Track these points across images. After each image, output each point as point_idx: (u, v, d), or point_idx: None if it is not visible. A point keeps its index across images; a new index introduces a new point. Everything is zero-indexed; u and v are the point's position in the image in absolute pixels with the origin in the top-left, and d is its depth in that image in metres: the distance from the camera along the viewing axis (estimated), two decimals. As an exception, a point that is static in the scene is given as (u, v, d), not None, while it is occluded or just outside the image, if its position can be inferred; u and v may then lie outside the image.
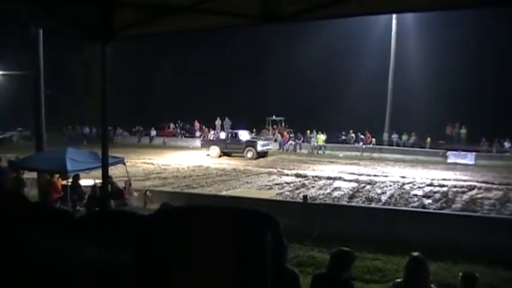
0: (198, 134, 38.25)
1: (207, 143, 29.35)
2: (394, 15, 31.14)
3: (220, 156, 26.97)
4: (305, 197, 11.37)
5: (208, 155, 27.43)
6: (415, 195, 15.28)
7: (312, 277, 3.92)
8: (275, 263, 1.44)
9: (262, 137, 30.86)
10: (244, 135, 28.32)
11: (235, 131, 28.82)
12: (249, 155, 26.41)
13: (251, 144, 26.95)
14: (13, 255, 1.84)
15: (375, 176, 19.77)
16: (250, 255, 1.43)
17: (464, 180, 18.71)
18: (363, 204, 13.41)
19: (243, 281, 1.44)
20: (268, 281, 1.42)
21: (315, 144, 31.25)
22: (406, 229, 8.98)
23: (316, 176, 19.15)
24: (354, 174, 20.09)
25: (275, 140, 32.82)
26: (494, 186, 17.33)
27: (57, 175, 11.46)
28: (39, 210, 1.95)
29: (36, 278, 1.81)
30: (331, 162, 25.60)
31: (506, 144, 29.61)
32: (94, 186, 11.01)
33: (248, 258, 1.43)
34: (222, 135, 34.35)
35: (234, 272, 1.44)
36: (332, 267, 3.77)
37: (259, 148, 26.85)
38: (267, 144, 28.70)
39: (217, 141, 28.99)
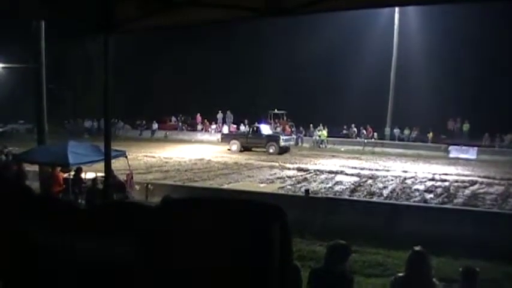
0: (199, 127, 38.27)
1: (227, 137, 28.78)
2: (396, 9, 30.97)
3: (241, 151, 26.44)
4: (307, 191, 11.36)
5: (229, 149, 26.95)
6: (417, 189, 15.25)
7: (310, 271, 3.91)
8: (282, 259, 1.37)
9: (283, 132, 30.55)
10: (266, 129, 27.78)
11: (257, 125, 28.24)
12: (271, 149, 25.72)
13: (274, 138, 26.37)
14: (14, 247, 1.83)
15: (376, 170, 19.75)
16: (256, 250, 1.36)
17: (466, 175, 18.70)
18: (365, 199, 13.40)
19: (248, 278, 1.39)
20: (275, 278, 1.36)
21: (317, 138, 31.19)
22: (407, 223, 8.98)
23: (318, 170, 19.13)
24: (355, 168, 20.06)
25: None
26: (496, 181, 17.31)
27: (59, 168, 11.47)
28: (43, 202, 1.94)
29: (37, 271, 1.80)
30: (333, 156, 25.58)
31: (506, 139, 29.55)
32: (95, 179, 11.02)
33: (254, 254, 1.36)
34: (225, 129, 34.32)
35: (238, 268, 1.39)
36: (328, 260, 3.77)
37: (282, 143, 26.22)
38: (289, 139, 28.12)
39: (238, 136, 28.50)
